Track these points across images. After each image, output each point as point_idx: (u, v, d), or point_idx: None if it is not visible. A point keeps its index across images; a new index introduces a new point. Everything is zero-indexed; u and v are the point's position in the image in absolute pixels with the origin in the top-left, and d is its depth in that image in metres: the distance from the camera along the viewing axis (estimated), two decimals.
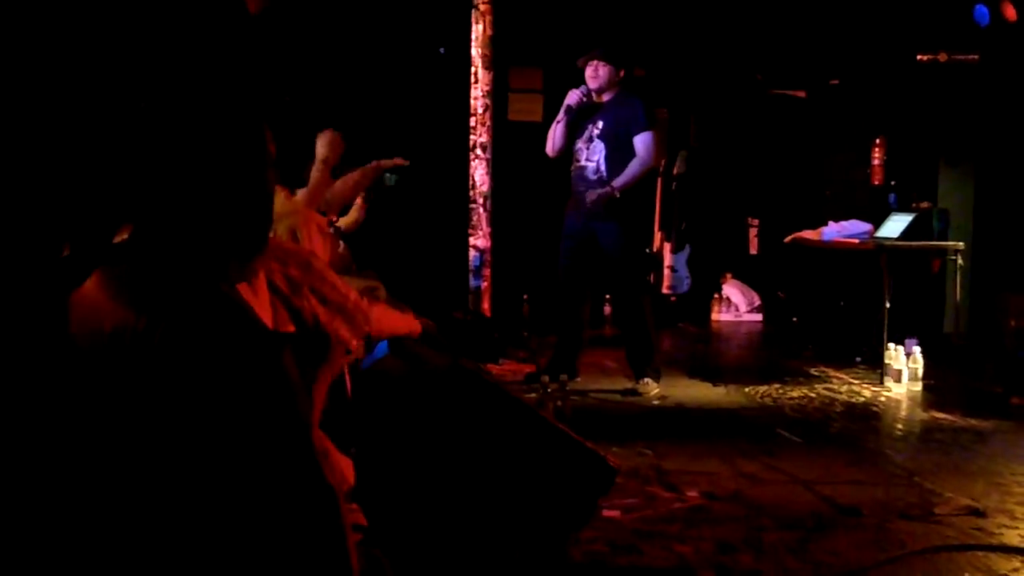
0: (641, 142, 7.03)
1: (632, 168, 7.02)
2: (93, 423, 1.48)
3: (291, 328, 2.12)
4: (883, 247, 7.83)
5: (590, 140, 7.15)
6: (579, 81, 7.23)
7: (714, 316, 11.49)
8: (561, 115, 7.25)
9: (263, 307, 1.98)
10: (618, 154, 7.05)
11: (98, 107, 1.58)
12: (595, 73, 7.16)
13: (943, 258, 8.70)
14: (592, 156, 7.13)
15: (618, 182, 7.00)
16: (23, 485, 1.49)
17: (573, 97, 7.22)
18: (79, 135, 1.57)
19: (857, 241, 8.12)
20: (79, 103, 1.59)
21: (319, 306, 2.57)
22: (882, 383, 7.49)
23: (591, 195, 7.03)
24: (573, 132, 7.26)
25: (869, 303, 8.29)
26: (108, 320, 1.50)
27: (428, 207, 9.52)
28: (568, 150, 7.29)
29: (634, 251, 7.29)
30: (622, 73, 7.21)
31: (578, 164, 7.22)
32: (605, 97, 7.20)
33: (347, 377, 3.11)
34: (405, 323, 3.25)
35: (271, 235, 1.99)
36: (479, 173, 8.48)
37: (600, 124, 7.14)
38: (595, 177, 7.10)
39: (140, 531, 1.47)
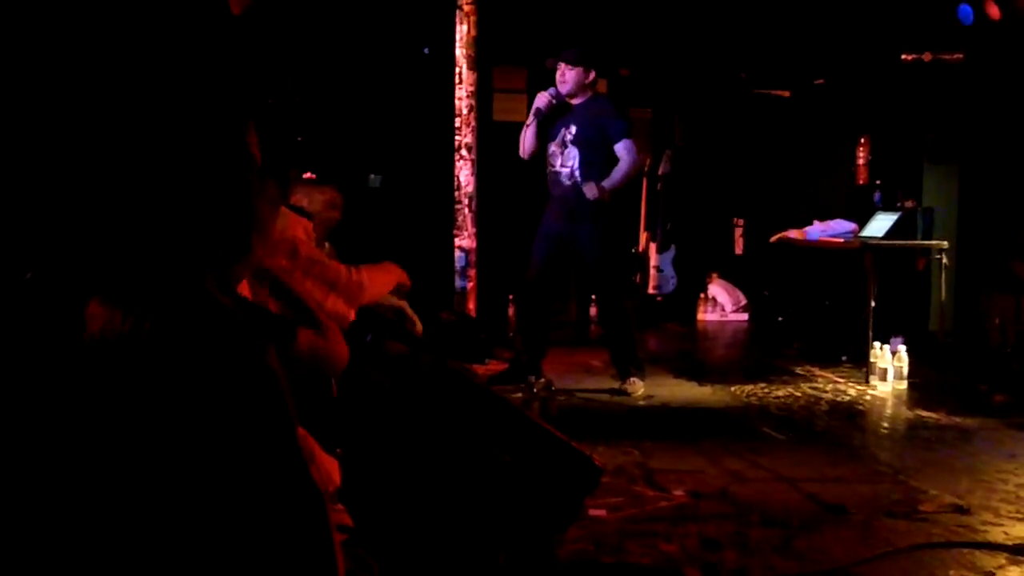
0: (624, 148, 6.97)
1: (621, 171, 6.95)
2: (81, 425, 1.48)
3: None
4: (868, 246, 7.85)
5: (564, 145, 7.08)
6: None
7: (700, 316, 11.50)
8: (531, 118, 7.19)
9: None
10: (592, 159, 7.00)
11: (76, 110, 1.57)
12: (562, 77, 7.09)
13: (928, 257, 8.73)
14: (567, 162, 7.05)
15: (608, 183, 6.94)
16: (14, 487, 1.49)
17: (542, 100, 7.16)
18: (56, 138, 1.57)
19: (842, 240, 8.14)
20: (56, 106, 1.58)
21: (314, 287, 2.58)
22: (867, 382, 7.50)
23: (589, 190, 6.95)
24: (544, 134, 7.19)
25: (854, 302, 8.30)
26: (95, 322, 1.50)
27: (413, 208, 9.51)
28: (542, 152, 7.24)
29: (614, 252, 7.27)
30: (592, 76, 7.12)
31: (552, 169, 7.15)
32: (575, 100, 7.13)
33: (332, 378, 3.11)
34: (393, 278, 3.26)
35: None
36: (464, 174, 8.48)
37: (573, 129, 7.06)
38: (569, 183, 7.04)
39: (125, 532, 1.47)
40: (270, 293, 2.52)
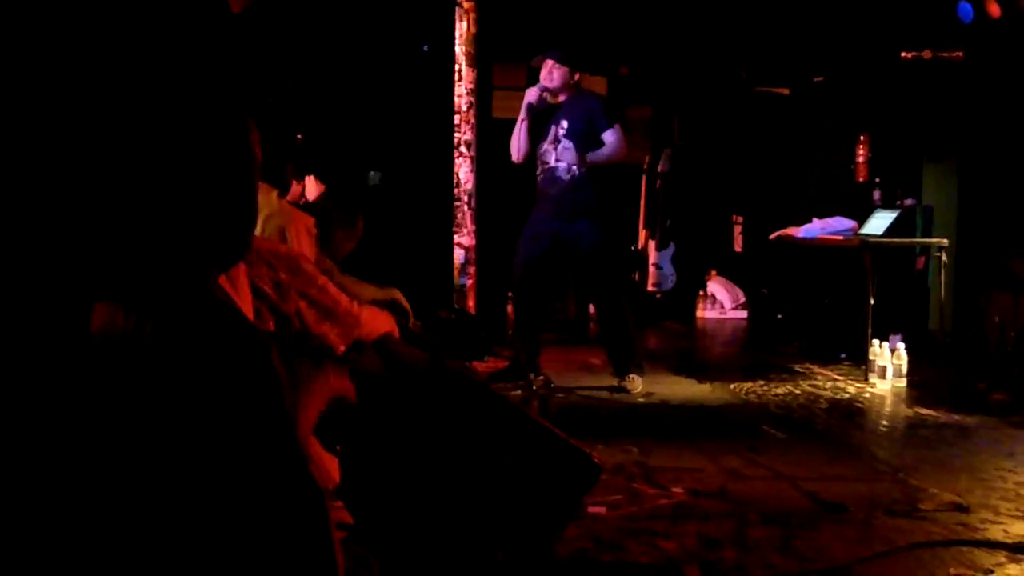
0: (611, 135, 7.00)
1: (604, 151, 6.99)
2: (85, 422, 1.48)
3: (271, 327, 2.12)
4: (867, 244, 7.84)
5: (556, 141, 7.07)
6: None
7: (699, 313, 11.50)
8: (523, 114, 7.17)
9: (245, 306, 1.97)
10: (587, 151, 7.00)
11: (77, 112, 1.57)
12: (549, 75, 7.11)
13: (927, 255, 8.72)
14: (562, 157, 7.03)
15: (590, 156, 6.97)
16: (17, 482, 1.49)
17: (532, 94, 7.15)
18: (58, 139, 1.57)
19: (841, 238, 8.14)
20: (57, 108, 1.58)
21: (308, 310, 2.57)
22: (867, 379, 7.50)
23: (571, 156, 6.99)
24: (536, 134, 7.20)
25: (854, 300, 8.30)
26: (95, 319, 1.49)
27: (413, 205, 9.50)
28: (533, 153, 7.22)
29: (611, 250, 7.26)
30: (577, 76, 7.16)
31: (547, 167, 7.12)
32: (561, 98, 7.14)
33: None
34: (387, 327, 3.26)
35: (259, 235, 1.99)
36: (464, 171, 8.47)
37: (564, 124, 7.06)
38: (567, 177, 7.03)
39: (127, 528, 1.47)
40: (267, 307, 2.50)
